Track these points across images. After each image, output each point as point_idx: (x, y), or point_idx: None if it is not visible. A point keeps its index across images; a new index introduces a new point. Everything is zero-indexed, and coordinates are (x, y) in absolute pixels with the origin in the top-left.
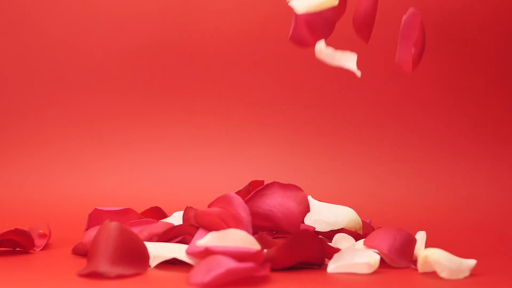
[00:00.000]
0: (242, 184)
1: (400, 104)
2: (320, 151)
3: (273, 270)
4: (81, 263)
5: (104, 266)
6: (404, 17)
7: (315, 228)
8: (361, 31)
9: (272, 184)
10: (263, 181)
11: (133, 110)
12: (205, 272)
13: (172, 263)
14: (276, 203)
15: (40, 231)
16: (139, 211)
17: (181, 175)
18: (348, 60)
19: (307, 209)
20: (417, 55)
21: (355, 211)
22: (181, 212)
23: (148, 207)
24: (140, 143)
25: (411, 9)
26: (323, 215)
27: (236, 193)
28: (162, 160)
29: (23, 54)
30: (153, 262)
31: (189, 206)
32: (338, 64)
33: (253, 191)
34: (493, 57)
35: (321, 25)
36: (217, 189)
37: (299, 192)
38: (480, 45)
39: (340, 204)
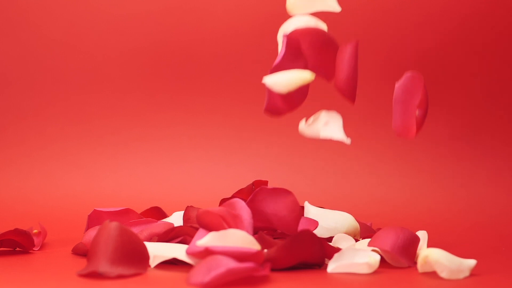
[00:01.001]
0: (242, 184)
1: None
2: (320, 151)
3: (273, 270)
4: (81, 263)
5: (104, 266)
6: (397, 84)
7: (318, 223)
8: (345, 94)
9: (261, 190)
10: (266, 181)
11: (133, 110)
12: (205, 272)
13: (172, 263)
14: (269, 212)
15: (35, 230)
16: (139, 211)
17: (181, 175)
18: (334, 131)
19: (301, 213)
20: (420, 118)
21: (355, 211)
22: (181, 212)
23: (148, 207)
24: (140, 143)
25: (408, 74)
26: (322, 221)
27: (239, 191)
28: (162, 160)
29: (22, 54)
30: (153, 262)
31: (189, 205)
32: (325, 137)
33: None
34: (493, 56)
35: (295, 94)
36: (217, 189)
37: (288, 197)
38: (480, 45)
39: (340, 204)
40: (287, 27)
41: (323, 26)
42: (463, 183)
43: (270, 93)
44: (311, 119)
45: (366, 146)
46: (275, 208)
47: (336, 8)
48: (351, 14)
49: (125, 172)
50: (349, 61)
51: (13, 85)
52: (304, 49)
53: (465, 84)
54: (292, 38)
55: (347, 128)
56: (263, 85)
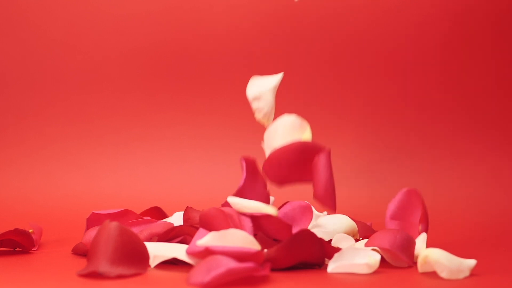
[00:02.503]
0: None
1: (399, 104)
2: None
3: (273, 270)
4: (81, 263)
5: (104, 266)
6: (391, 204)
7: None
8: (326, 203)
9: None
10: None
11: (133, 110)
12: (205, 272)
13: (172, 263)
14: (261, 225)
15: (30, 230)
16: (139, 211)
17: (181, 175)
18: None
19: (290, 226)
20: (423, 231)
21: (355, 211)
22: (182, 213)
23: (148, 207)
24: (140, 143)
25: (403, 190)
26: (320, 225)
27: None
28: (162, 160)
29: (22, 54)
30: (153, 262)
31: (189, 206)
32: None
33: None
34: (493, 56)
35: None
36: (217, 189)
37: (271, 220)
38: (480, 44)
39: (340, 204)
40: (272, 133)
41: (305, 127)
42: (463, 183)
43: None
44: None
45: (366, 146)
46: (264, 227)
47: (279, 77)
48: (351, 14)
49: (125, 172)
50: (324, 171)
51: (13, 85)
52: (275, 169)
53: (465, 82)
54: (250, 161)
55: (346, 128)
56: None
